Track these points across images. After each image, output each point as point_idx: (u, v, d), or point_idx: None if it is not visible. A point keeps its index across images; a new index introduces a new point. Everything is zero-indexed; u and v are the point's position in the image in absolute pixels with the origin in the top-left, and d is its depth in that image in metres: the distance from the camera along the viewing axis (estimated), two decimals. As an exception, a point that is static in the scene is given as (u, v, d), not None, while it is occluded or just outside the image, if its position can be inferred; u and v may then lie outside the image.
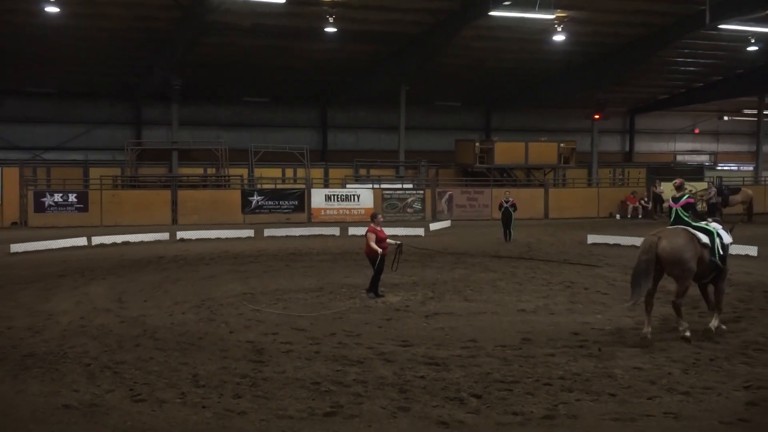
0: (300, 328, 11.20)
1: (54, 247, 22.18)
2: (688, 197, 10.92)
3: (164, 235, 24.96)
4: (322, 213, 32.78)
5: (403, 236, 22.42)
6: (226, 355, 9.57)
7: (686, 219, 10.78)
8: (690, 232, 10.51)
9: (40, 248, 21.74)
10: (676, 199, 10.95)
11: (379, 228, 14.03)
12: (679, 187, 11.03)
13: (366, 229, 14.39)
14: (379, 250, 13.69)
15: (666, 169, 42.50)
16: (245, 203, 32.12)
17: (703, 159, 50.28)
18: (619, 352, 9.61)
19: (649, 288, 10.26)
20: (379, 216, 14.57)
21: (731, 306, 12.67)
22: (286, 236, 26.22)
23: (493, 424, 7.11)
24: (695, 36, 33.52)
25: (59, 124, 38.11)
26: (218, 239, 25.01)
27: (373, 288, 13.82)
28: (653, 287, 10.43)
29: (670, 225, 10.90)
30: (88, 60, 33.76)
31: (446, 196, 34.73)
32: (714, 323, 10.59)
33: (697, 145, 51.34)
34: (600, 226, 29.47)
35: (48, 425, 7.16)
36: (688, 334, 10.19)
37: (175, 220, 31.11)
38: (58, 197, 30.38)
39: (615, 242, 23.15)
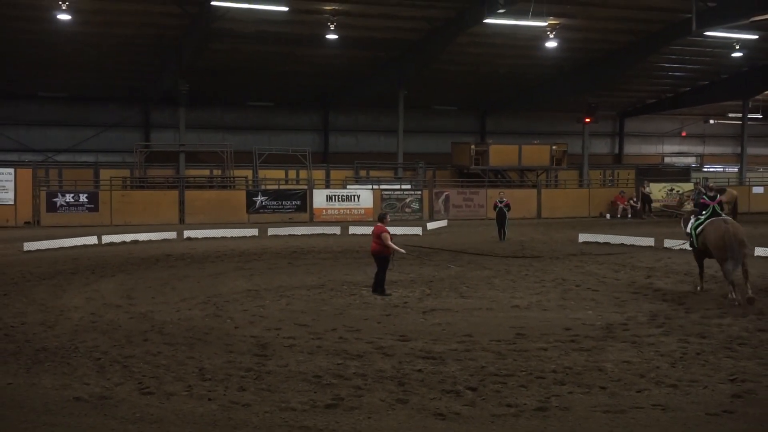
0: (302, 323, 11.19)
1: (66, 245, 22.16)
2: (720, 197, 13.63)
3: (172, 234, 24.96)
4: (324, 213, 32.78)
5: (401, 235, 22.44)
6: (232, 349, 9.56)
7: (719, 212, 13.31)
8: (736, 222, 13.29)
9: (52, 246, 21.73)
10: (712, 198, 13.38)
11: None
12: (710, 189, 13.66)
13: (375, 228, 13.75)
14: (399, 249, 13.76)
15: (654, 171, 42.47)
16: (250, 203, 32.12)
17: (690, 161, 50.28)
18: (609, 346, 9.60)
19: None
20: (388, 216, 14.41)
21: (716, 302, 12.67)
22: (289, 235, 26.21)
23: (488, 416, 7.10)
24: (682, 42, 33.54)
25: (71, 127, 38.09)
26: (224, 238, 25.01)
27: (381, 287, 13.64)
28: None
29: (708, 217, 13.25)
30: (98, 65, 33.75)
31: (443, 197, 34.72)
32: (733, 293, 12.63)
33: (684, 148, 51.35)
34: (590, 226, 29.48)
35: (60, 417, 7.15)
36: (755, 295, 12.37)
37: (182, 220, 31.10)
38: (69, 197, 30.37)
39: (605, 241, 23.13)
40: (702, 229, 13.26)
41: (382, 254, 13.59)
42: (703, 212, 13.35)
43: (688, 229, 13.87)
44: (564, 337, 10.17)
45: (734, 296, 12.36)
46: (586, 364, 8.74)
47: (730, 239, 12.49)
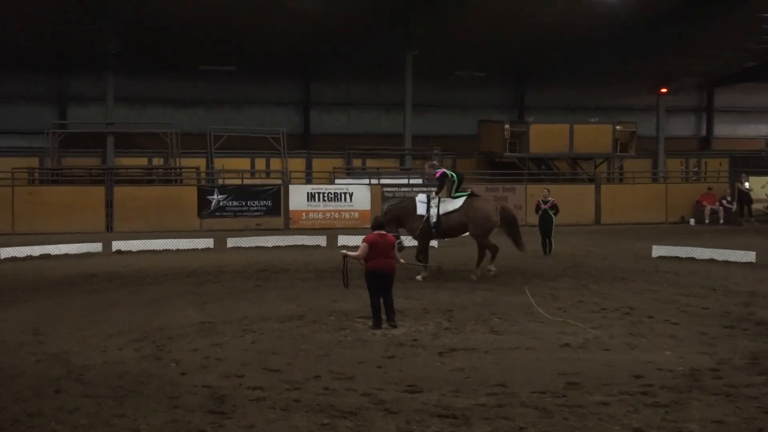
0: (274, 368, 11.16)
1: (-56, 262, 22.22)
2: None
3: (96, 246, 24.99)
4: (304, 217, 32.85)
5: (407, 245, 22.37)
6: (177, 404, 9.54)
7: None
8: None
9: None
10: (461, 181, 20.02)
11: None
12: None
13: (379, 238, 13.68)
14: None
15: (755, 160, 42.42)
16: (203, 204, 32.18)
17: (805, 146, 50.33)
18: (695, 400, 9.57)
19: None
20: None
21: None
22: (257, 247, 26.28)
23: (529, 497, 7.06)
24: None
25: (-44, 100, 38.17)
26: (167, 251, 25.08)
27: (393, 313, 13.78)
28: None
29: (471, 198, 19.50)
30: (-4, 18, 33.82)
31: (466, 195, 34.70)
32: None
33: (796, 129, 51.43)
34: (668, 235, 29.45)
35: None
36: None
37: (110, 227, 31.17)
38: (-47, 196, 30.40)
39: (688, 255, 23.14)
40: (456, 212, 19.15)
41: (394, 271, 13.73)
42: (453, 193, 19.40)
43: (432, 215, 19.22)
44: (633, 387, 10.15)
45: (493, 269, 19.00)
46: (663, 425, 8.72)
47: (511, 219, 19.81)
